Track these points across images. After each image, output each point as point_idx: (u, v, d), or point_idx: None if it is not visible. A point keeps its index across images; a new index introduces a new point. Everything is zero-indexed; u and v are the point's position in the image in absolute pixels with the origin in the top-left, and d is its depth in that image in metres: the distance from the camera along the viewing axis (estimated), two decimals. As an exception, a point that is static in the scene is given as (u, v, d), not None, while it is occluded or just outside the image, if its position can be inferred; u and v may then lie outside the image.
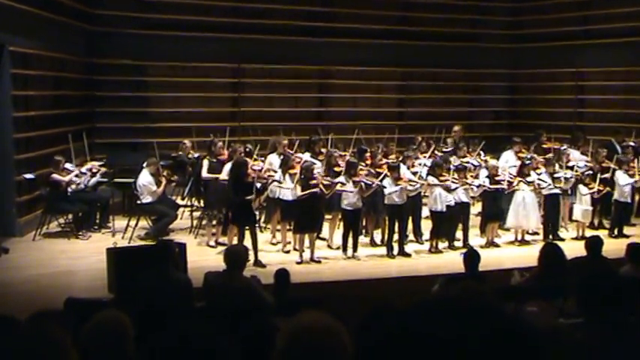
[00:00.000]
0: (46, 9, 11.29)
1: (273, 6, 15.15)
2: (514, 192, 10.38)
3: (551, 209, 10.65)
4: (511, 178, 10.36)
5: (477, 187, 10.21)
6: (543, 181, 10.46)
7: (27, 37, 10.78)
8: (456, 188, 9.90)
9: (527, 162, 10.70)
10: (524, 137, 12.84)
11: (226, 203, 9.79)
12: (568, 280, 6.50)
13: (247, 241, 9.22)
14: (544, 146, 12.31)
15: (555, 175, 10.57)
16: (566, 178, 10.64)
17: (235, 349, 1.57)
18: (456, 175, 10.04)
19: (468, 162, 11.22)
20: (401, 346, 1.14)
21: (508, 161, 11.53)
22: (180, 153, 12.17)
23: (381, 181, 9.62)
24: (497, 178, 10.29)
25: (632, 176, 10.88)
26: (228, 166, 9.83)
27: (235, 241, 9.32)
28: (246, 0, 15.17)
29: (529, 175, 10.43)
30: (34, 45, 11.03)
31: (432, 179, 9.94)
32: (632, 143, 12.33)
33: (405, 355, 1.13)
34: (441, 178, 9.89)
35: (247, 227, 9.26)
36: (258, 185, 9.68)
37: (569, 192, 10.88)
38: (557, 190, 10.57)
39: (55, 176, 10.33)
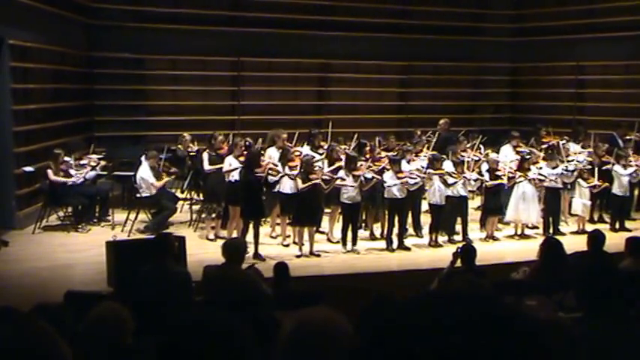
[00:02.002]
0: (46, 2, 11.26)
1: (273, -1, 15.14)
2: (514, 186, 10.38)
3: (552, 203, 10.65)
4: (511, 172, 10.35)
5: (475, 180, 10.21)
6: (543, 175, 10.44)
7: (26, 31, 10.75)
8: (454, 183, 9.89)
9: (527, 156, 10.70)
10: (524, 131, 12.83)
11: (226, 197, 9.78)
12: (568, 274, 6.51)
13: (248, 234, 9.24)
14: (543, 140, 12.29)
15: (557, 170, 10.56)
16: (569, 171, 10.63)
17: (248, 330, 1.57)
18: (453, 169, 10.02)
19: (465, 156, 11.15)
20: (400, 336, 1.13)
21: (507, 156, 11.51)
22: (180, 146, 12.16)
23: (380, 174, 9.61)
24: (497, 173, 10.28)
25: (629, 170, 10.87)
26: (229, 159, 9.83)
27: (235, 234, 9.33)
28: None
29: (529, 169, 10.43)
30: (34, 38, 11.01)
31: (432, 172, 9.92)
32: (634, 137, 12.32)
33: (404, 345, 1.12)
34: (440, 171, 9.88)
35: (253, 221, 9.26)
36: (271, 178, 9.65)
37: (569, 186, 10.89)
38: (558, 184, 10.57)
39: (50, 173, 10.25)
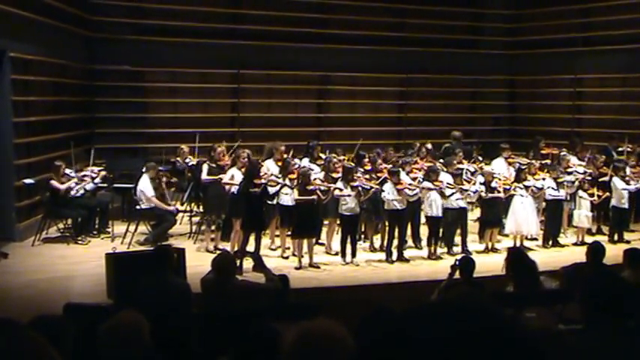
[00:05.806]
0: (46, 15, 11.32)
1: (272, 13, 15.20)
2: (512, 198, 10.40)
3: (553, 215, 10.66)
4: (506, 184, 10.37)
5: (474, 192, 10.22)
6: (537, 187, 10.46)
7: (27, 43, 10.80)
8: (451, 194, 9.91)
9: (523, 167, 10.72)
10: (522, 143, 12.88)
11: (228, 209, 9.79)
12: (567, 284, 6.52)
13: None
14: (542, 152, 12.34)
15: (559, 180, 10.58)
16: (570, 183, 10.65)
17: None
18: (451, 181, 10.04)
19: (463, 168, 11.18)
20: (399, 347, 1.15)
21: (500, 168, 11.52)
22: (178, 158, 12.19)
23: (380, 185, 9.63)
24: (492, 185, 10.31)
25: (628, 182, 10.88)
26: (232, 171, 9.84)
27: (237, 246, 9.36)
28: (245, 7, 15.24)
29: (526, 180, 10.45)
30: (35, 51, 11.05)
31: (427, 184, 9.95)
32: (627, 149, 12.40)
33: (404, 356, 1.14)
34: (436, 183, 9.91)
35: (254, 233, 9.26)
36: (271, 190, 9.67)
37: (568, 198, 10.90)
38: (560, 196, 10.58)
39: (54, 183, 10.32)
